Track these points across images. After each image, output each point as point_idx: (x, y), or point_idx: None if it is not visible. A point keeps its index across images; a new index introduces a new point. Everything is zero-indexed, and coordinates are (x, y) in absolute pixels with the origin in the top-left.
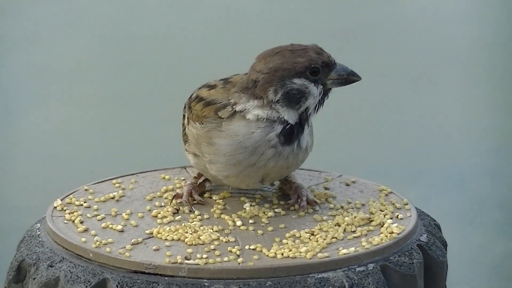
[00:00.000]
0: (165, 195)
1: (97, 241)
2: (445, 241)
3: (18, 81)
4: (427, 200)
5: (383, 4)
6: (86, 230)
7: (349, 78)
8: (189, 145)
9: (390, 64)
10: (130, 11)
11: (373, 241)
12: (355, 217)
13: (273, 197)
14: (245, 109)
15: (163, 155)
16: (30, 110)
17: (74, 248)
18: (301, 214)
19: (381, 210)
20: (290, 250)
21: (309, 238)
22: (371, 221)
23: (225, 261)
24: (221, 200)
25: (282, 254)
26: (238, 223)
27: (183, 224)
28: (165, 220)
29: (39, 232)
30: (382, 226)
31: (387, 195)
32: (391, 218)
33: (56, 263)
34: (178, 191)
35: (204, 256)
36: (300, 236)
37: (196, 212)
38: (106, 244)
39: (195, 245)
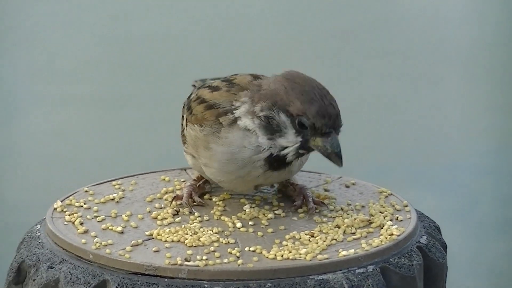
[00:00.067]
0: (165, 197)
1: (97, 242)
2: (445, 243)
3: (18, 81)
4: (427, 200)
5: (383, 4)
6: (86, 232)
7: (330, 156)
8: (187, 147)
9: (390, 64)
10: (130, 11)
11: (373, 243)
12: (355, 219)
13: (273, 199)
14: (241, 113)
15: (163, 157)
16: (30, 111)
17: (74, 250)
18: (301, 216)
19: (381, 212)
20: (290, 252)
21: (309, 240)
22: (371, 223)
23: (225, 262)
24: (221, 201)
25: (282, 256)
26: (238, 224)
27: (183, 226)
28: (165, 222)
29: (39, 234)
30: (382, 228)
31: (387, 197)
32: (391, 220)
33: (56, 265)
34: (178, 192)
35: (204, 257)
36: (300, 238)
37: (196, 214)
38: (106, 245)
39: (195, 246)
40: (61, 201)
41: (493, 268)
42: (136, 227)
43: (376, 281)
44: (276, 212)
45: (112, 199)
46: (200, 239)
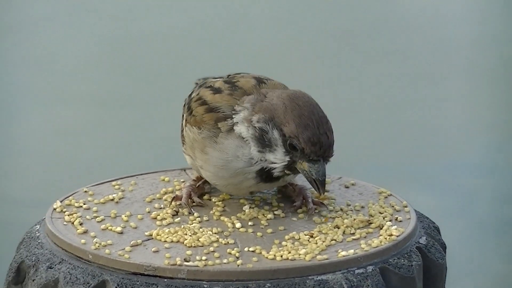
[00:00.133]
0: (164, 197)
1: (96, 242)
2: (444, 244)
3: (18, 81)
4: (426, 200)
5: (383, 4)
6: (85, 232)
7: (313, 182)
8: (186, 147)
9: (390, 64)
10: (130, 11)
11: (372, 243)
12: (354, 219)
13: (272, 199)
14: (239, 119)
15: (162, 157)
16: (30, 110)
17: (73, 250)
18: (301, 216)
19: (380, 213)
20: (289, 252)
21: (308, 240)
22: (371, 223)
23: (225, 263)
24: (220, 202)
25: (281, 256)
26: (238, 225)
27: (182, 226)
28: (164, 222)
29: (39, 234)
30: (381, 229)
31: (386, 197)
32: (390, 221)
33: (55, 265)
34: (177, 193)
35: (204, 258)
36: (299, 238)
37: (196, 214)
38: (105, 245)
39: (194, 247)
40: (61, 201)
41: (493, 269)
42: (135, 228)
43: (376, 281)
44: (275, 212)
45: (112, 200)
46: (200, 239)
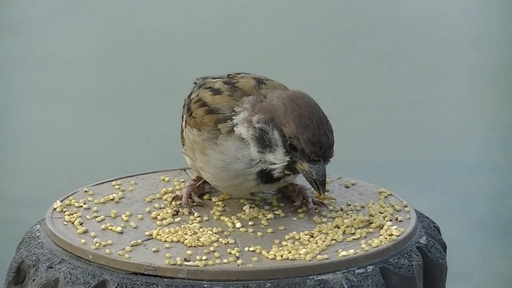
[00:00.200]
0: (164, 197)
1: (96, 242)
2: (445, 244)
3: (18, 81)
4: (427, 200)
5: (383, 4)
6: (85, 232)
7: (313, 182)
8: (186, 149)
9: (390, 64)
10: (130, 11)
11: (372, 243)
12: (354, 219)
13: (272, 199)
14: (238, 120)
15: (162, 157)
16: (30, 111)
17: (73, 250)
18: (301, 216)
19: (380, 212)
20: (290, 252)
21: (309, 240)
22: (371, 223)
23: (225, 262)
24: (220, 202)
25: (282, 256)
26: (238, 225)
27: (182, 226)
28: (164, 222)
29: (39, 234)
30: (382, 228)
31: (386, 197)
32: (390, 220)
33: (55, 265)
34: (177, 193)
35: (204, 257)
36: (300, 238)
37: (196, 214)
38: (105, 245)
39: (194, 246)
40: (61, 201)
41: (493, 268)
42: (135, 227)
43: (376, 281)
44: (275, 212)
45: (112, 199)
46: (200, 239)
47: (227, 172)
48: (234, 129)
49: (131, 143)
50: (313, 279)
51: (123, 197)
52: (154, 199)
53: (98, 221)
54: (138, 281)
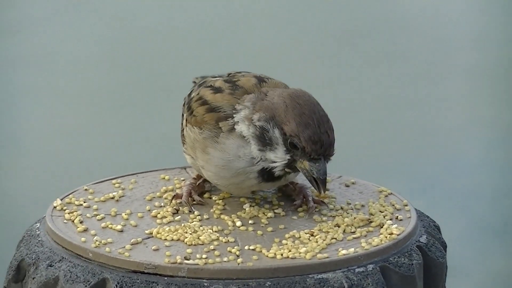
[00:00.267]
0: (164, 195)
1: (96, 241)
2: (445, 243)
3: (19, 81)
4: (427, 199)
5: (383, 4)
6: (85, 230)
7: (313, 180)
8: (186, 147)
9: (390, 64)
10: (130, 11)
11: (372, 242)
12: (354, 218)
13: (273, 198)
14: (239, 118)
15: (163, 155)
16: (30, 111)
17: (73, 248)
18: (301, 215)
19: (380, 211)
20: (290, 251)
21: (309, 239)
22: (371, 222)
23: (225, 261)
24: (220, 200)
25: (282, 255)
26: (238, 223)
27: (182, 224)
28: (164, 220)
29: (39, 232)
30: (382, 227)
31: (386, 196)
32: (390, 219)
33: (55, 263)
34: (177, 191)
35: (204, 256)
36: (300, 237)
37: (196, 213)
38: (105, 244)
39: (194, 245)
40: (61, 200)
41: (493, 267)
42: (135, 226)
43: (376, 280)
44: (276, 211)
45: (112, 198)
46: (200, 237)
47: (228, 170)
48: (235, 127)
49: (131, 143)
50: (313, 278)
51: (123, 196)
52: (154, 197)
53: (98, 220)
54: (138, 279)
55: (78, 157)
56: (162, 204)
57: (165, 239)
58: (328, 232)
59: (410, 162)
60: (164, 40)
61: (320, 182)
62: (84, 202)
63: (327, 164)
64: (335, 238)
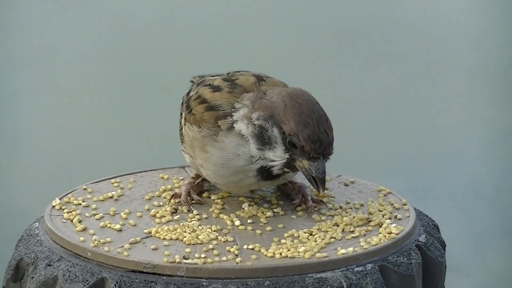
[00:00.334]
0: (163, 195)
1: (95, 240)
2: (444, 242)
3: (19, 80)
4: (426, 199)
5: (383, 4)
6: (84, 229)
7: (312, 179)
8: (185, 146)
9: (390, 64)
10: (130, 10)
11: (371, 241)
12: (353, 217)
13: (271, 197)
14: (238, 117)
15: (161, 155)
16: (30, 110)
17: (72, 247)
18: (300, 214)
19: (379, 211)
20: (289, 250)
21: (308, 238)
22: (370, 221)
23: (224, 260)
24: (219, 199)
25: (281, 254)
26: (237, 222)
27: (181, 224)
28: (163, 220)
29: (38, 231)
30: (381, 227)
31: (385, 195)
32: (389, 219)
33: (54, 262)
34: (176, 190)
35: (203, 255)
36: (299, 236)
37: (195, 212)
38: (104, 243)
39: (193, 244)
40: (60, 199)
41: (492, 267)
42: (134, 225)
43: (375, 279)
44: (274, 210)
45: (111, 197)
46: (199, 237)
47: (227, 168)
48: (234, 125)
49: (130, 142)
50: (312, 277)
51: (122, 195)
52: (153, 197)
53: (97, 219)
54: (137, 278)
55: (77, 157)
56: (161, 203)
57: (164, 239)
58: (327, 231)
59: (410, 162)
60: (164, 40)
61: (319, 181)
62: (83, 202)
63: (326, 163)
64: (334, 238)
